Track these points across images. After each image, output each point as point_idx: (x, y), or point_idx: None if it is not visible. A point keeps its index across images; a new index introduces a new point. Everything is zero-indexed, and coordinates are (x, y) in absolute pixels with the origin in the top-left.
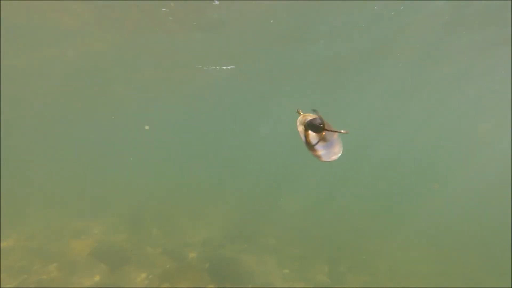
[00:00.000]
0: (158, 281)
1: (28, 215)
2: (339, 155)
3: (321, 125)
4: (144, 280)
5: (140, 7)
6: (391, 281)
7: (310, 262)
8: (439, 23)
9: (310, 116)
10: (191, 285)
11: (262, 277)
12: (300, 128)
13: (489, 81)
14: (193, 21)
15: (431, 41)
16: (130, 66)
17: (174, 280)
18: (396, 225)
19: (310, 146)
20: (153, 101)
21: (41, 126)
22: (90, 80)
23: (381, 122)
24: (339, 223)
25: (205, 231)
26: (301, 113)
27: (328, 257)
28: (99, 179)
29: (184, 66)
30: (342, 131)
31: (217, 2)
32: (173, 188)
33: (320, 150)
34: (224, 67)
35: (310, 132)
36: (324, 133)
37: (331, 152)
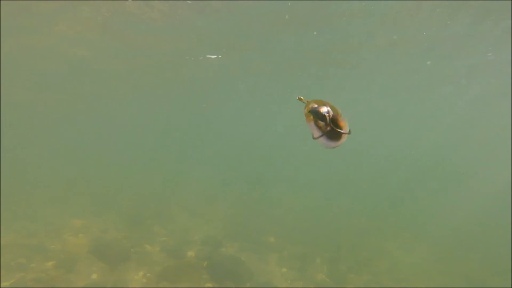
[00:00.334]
0: (157, 279)
1: (27, 213)
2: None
3: (328, 115)
4: (143, 278)
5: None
6: (391, 281)
7: (310, 261)
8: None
9: (316, 103)
10: (190, 283)
11: (261, 276)
12: (308, 118)
13: (490, 79)
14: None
15: (433, 38)
16: (129, 65)
17: (172, 278)
18: (396, 225)
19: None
20: (153, 99)
21: (41, 124)
22: (89, 79)
23: (383, 121)
24: (339, 222)
25: (205, 229)
26: (304, 100)
27: (328, 256)
28: (98, 177)
29: (182, 64)
30: (346, 132)
31: None
32: (173, 186)
33: (324, 140)
34: (212, 56)
35: (316, 121)
36: (329, 127)
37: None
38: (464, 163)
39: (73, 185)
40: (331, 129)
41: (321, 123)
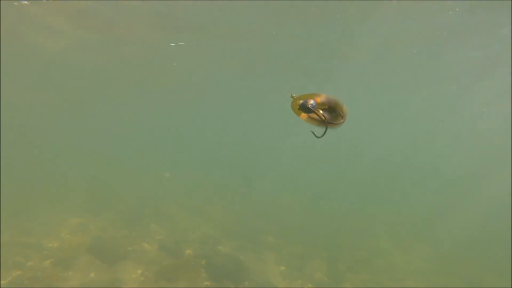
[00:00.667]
0: (155, 278)
1: (24, 211)
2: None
3: (312, 107)
4: (140, 277)
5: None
6: (389, 280)
7: (308, 260)
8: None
9: (301, 99)
10: (188, 282)
11: (259, 275)
12: (300, 115)
13: (490, 77)
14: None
15: (431, 37)
16: (129, 67)
17: (170, 277)
18: (394, 224)
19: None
20: (151, 99)
21: (38, 122)
22: (88, 78)
23: (381, 120)
24: (338, 222)
25: (203, 228)
26: (294, 96)
27: (327, 255)
28: (96, 176)
29: (181, 63)
30: (338, 121)
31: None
32: (171, 185)
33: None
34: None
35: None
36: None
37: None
38: (463, 164)
39: (70, 183)
40: (324, 120)
41: (314, 115)
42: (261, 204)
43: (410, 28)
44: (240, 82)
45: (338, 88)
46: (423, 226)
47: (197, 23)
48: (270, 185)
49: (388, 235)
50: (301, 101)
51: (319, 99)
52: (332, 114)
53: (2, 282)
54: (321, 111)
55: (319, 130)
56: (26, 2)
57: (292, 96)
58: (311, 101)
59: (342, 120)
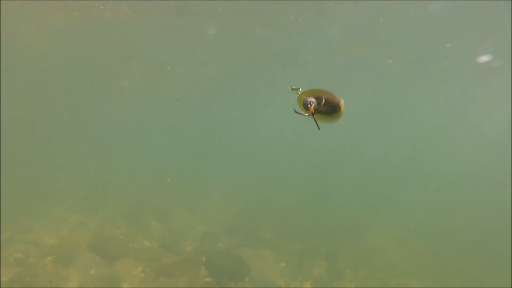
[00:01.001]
0: (155, 275)
1: (25, 208)
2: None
3: (310, 105)
4: (141, 273)
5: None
6: (388, 276)
7: (307, 257)
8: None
9: (304, 95)
10: (188, 278)
11: (259, 271)
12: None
13: (489, 76)
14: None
15: (428, 36)
16: (128, 65)
17: (170, 274)
18: (393, 221)
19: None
20: (149, 97)
21: (38, 119)
22: (87, 77)
23: (382, 119)
24: (337, 219)
25: (203, 225)
26: (294, 88)
27: (326, 252)
28: (97, 173)
29: (183, 62)
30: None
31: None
32: (171, 183)
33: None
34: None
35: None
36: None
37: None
38: (462, 163)
39: (70, 181)
40: (312, 115)
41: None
42: (260, 201)
43: (409, 26)
44: (239, 79)
45: (339, 86)
46: (423, 224)
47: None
48: (270, 182)
49: (387, 233)
50: (304, 97)
51: (322, 95)
52: (329, 110)
53: (3, 279)
54: (312, 110)
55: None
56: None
57: (292, 89)
58: (313, 100)
59: (335, 118)
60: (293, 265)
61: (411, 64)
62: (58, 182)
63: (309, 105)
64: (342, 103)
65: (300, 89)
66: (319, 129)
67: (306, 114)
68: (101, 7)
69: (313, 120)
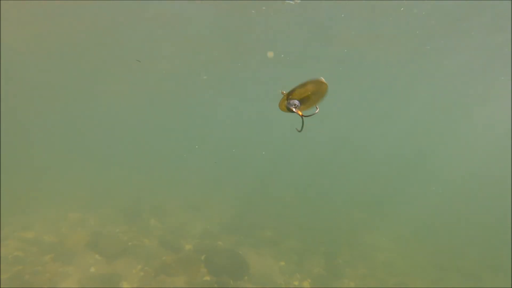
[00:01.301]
0: (154, 273)
1: (25, 206)
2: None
3: (293, 107)
4: (140, 272)
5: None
6: (388, 274)
7: (307, 255)
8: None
9: (288, 97)
10: (188, 276)
11: (259, 270)
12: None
13: (488, 74)
14: None
15: (426, 36)
16: (125, 65)
17: (170, 272)
18: (393, 219)
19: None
20: (148, 95)
21: (37, 118)
22: (87, 76)
23: (381, 116)
24: (336, 217)
25: (203, 224)
26: (284, 93)
27: (325, 251)
28: (96, 171)
29: (178, 59)
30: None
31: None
32: (171, 181)
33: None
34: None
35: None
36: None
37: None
38: (462, 158)
39: (70, 179)
40: (301, 116)
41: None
42: (260, 199)
43: (409, 27)
44: (236, 77)
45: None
46: (422, 224)
47: None
48: (270, 180)
49: (387, 232)
50: (287, 101)
51: (304, 90)
52: (314, 91)
53: (2, 277)
54: (300, 111)
55: (304, 123)
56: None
57: (282, 93)
58: (295, 102)
59: (316, 111)
60: (292, 263)
61: (411, 64)
62: (58, 180)
63: (293, 107)
64: (322, 79)
65: (284, 91)
66: (300, 131)
67: (302, 119)
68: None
69: (302, 120)
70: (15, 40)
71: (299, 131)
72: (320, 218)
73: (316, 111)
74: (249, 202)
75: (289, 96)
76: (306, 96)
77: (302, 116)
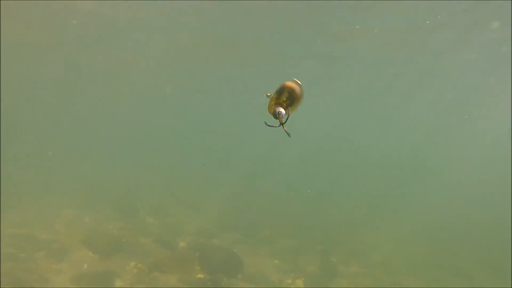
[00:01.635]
0: (148, 270)
1: (18, 202)
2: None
3: (279, 115)
4: (134, 269)
5: None
6: (383, 273)
7: (302, 253)
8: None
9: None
10: (181, 274)
11: (253, 267)
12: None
13: (488, 75)
14: None
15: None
16: (123, 63)
17: (164, 269)
18: (388, 218)
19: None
20: (147, 93)
21: (35, 116)
22: (82, 75)
23: (379, 116)
24: (332, 216)
25: (198, 221)
26: (269, 95)
27: (320, 249)
28: (91, 168)
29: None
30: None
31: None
32: (168, 179)
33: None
34: None
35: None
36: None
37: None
38: (458, 158)
39: (65, 175)
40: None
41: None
42: (256, 197)
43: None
44: (234, 75)
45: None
46: (418, 223)
47: None
48: (267, 179)
49: (382, 231)
50: (274, 107)
51: (285, 94)
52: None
53: None
54: (281, 121)
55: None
56: None
57: (267, 96)
58: (281, 110)
59: (287, 116)
60: (287, 262)
61: (411, 64)
62: (53, 177)
63: (277, 115)
64: (295, 80)
65: (269, 94)
66: (290, 137)
67: (277, 126)
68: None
69: (284, 129)
70: (15, 39)
71: (290, 136)
72: (317, 217)
73: (287, 116)
74: (246, 200)
75: (277, 100)
76: (288, 100)
77: (282, 124)
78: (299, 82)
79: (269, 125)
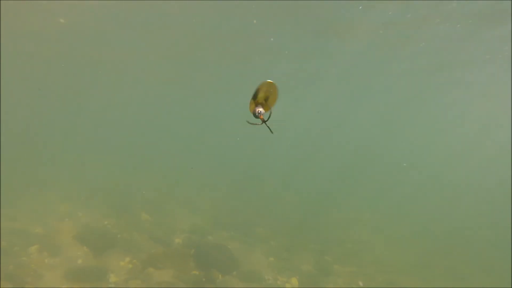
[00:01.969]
0: (142, 266)
1: (10, 197)
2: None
3: (259, 114)
4: (128, 264)
5: None
6: (376, 272)
7: (296, 252)
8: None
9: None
10: (176, 270)
11: (248, 265)
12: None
13: (488, 75)
14: None
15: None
16: (124, 63)
17: (158, 265)
18: (383, 218)
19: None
20: (145, 91)
21: (32, 113)
22: (82, 74)
23: (378, 116)
24: (327, 215)
25: (194, 218)
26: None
27: (315, 248)
28: (86, 164)
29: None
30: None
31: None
32: (164, 175)
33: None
34: None
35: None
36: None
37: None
38: (454, 160)
39: (59, 170)
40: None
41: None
42: (251, 196)
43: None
44: (229, 71)
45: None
46: (412, 222)
47: None
48: (262, 178)
49: (376, 229)
50: (255, 108)
51: (262, 94)
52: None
53: None
54: (262, 116)
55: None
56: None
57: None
58: (260, 110)
59: (270, 113)
60: (282, 260)
61: (411, 62)
62: (47, 173)
63: (257, 115)
64: (270, 80)
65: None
66: (272, 133)
67: (259, 124)
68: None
69: (267, 126)
70: (15, 39)
71: (272, 133)
72: (311, 216)
73: (270, 113)
74: (241, 198)
75: (255, 101)
76: (265, 98)
77: (263, 121)
78: (271, 81)
79: (251, 123)
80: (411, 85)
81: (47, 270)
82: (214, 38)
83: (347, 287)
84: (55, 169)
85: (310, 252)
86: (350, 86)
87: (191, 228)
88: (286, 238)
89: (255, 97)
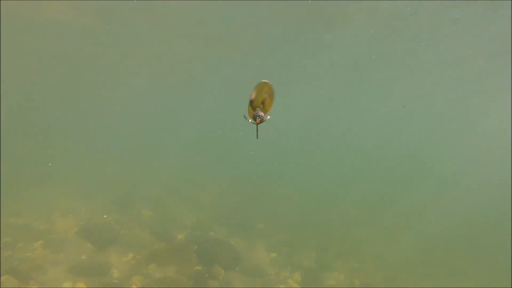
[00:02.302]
0: (145, 261)
1: (16, 193)
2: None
3: (258, 117)
4: (131, 260)
5: None
6: (377, 268)
7: (298, 248)
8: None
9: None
10: (179, 266)
11: (250, 261)
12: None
13: (489, 76)
14: None
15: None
16: (129, 63)
17: (161, 261)
18: (384, 215)
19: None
20: (145, 88)
21: (35, 109)
22: (83, 74)
23: (378, 115)
24: (329, 211)
25: (196, 214)
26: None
27: (317, 244)
28: (89, 159)
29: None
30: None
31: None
32: (165, 171)
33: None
34: None
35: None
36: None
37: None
38: (455, 157)
39: (62, 166)
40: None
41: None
42: (253, 192)
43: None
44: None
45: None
46: (413, 219)
47: None
48: (264, 174)
49: (376, 226)
50: (254, 110)
51: (258, 95)
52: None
53: None
54: (259, 120)
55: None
56: None
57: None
58: (260, 114)
59: (268, 117)
60: (284, 255)
61: (411, 61)
62: (51, 168)
63: (257, 118)
64: (267, 88)
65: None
66: (257, 138)
67: (255, 123)
68: None
69: (257, 128)
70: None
71: (257, 138)
72: (313, 212)
73: (267, 118)
74: (243, 194)
75: (253, 104)
76: (262, 100)
77: (257, 124)
78: (267, 81)
79: (246, 119)
80: (411, 86)
81: (52, 266)
82: (214, 37)
83: (347, 287)
84: (58, 165)
85: (311, 248)
86: (356, 82)
87: (193, 224)
88: (288, 234)
89: (251, 103)
